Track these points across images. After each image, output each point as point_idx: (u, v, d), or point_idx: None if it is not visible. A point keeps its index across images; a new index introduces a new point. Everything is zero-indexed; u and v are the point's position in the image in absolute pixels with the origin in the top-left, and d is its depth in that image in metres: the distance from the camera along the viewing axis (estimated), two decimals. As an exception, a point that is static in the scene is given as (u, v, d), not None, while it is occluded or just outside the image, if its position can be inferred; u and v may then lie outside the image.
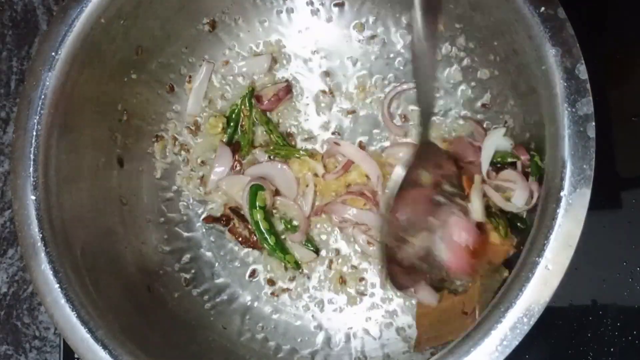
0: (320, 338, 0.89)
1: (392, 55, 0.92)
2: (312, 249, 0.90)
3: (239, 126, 0.93)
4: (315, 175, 0.89)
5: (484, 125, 0.87)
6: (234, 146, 0.92)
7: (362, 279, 0.89)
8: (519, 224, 0.79)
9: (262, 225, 0.87)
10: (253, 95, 0.92)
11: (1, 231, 1.04)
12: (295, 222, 0.89)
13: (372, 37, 0.92)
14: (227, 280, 0.92)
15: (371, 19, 0.92)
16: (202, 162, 0.94)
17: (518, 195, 0.77)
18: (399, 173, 0.72)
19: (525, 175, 0.78)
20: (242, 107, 0.92)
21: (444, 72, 0.90)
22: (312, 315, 0.90)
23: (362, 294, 0.89)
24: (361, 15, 0.92)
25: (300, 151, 0.90)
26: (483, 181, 0.80)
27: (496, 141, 0.82)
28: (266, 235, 0.87)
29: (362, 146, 0.91)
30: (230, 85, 0.95)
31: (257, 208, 0.87)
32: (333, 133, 0.93)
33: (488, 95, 0.86)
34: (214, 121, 0.92)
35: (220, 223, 0.92)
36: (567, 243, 0.65)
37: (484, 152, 0.82)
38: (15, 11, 1.09)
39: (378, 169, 0.86)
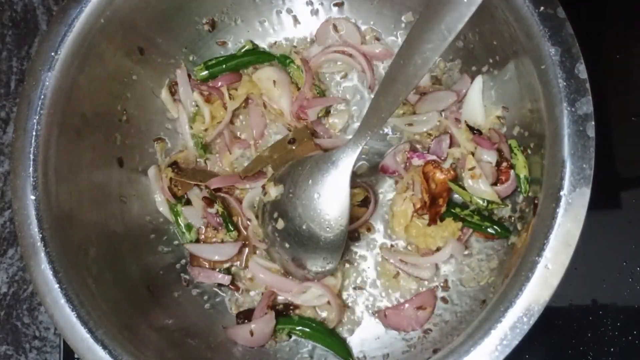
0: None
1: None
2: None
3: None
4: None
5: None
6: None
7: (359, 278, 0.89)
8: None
9: None
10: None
11: (1, 231, 1.04)
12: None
13: (374, 38, 0.93)
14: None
15: (371, 20, 0.92)
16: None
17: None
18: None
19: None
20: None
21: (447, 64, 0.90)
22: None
23: (360, 288, 0.89)
24: (361, 15, 0.92)
25: None
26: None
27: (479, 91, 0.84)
28: None
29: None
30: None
31: None
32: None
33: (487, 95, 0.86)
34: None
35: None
36: (567, 242, 0.65)
37: (467, 105, 0.85)
38: (15, 11, 1.09)
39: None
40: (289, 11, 0.93)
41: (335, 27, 0.92)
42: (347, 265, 0.89)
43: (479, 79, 0.85)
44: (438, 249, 0.85)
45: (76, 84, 0.78)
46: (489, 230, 0.82)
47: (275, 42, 0.95)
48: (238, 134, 0.94)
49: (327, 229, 0.81)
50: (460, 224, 0.84)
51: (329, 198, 0.80)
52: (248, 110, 0.93)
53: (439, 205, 0.83)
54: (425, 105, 0.88)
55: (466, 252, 0.85)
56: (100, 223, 0.82)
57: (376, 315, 0.87)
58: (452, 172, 0.84)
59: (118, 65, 0.84)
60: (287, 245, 0.84)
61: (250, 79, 0.92)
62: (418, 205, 0.84)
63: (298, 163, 0.83)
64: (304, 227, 0.81)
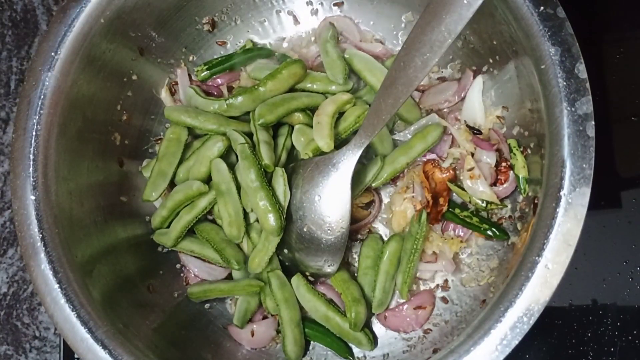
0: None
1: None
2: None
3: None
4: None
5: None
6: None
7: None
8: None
9: None
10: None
11: (1, 231, 1.04)
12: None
13: (374, 38, 0.93)
14: (227, 280, 0.92)
15: (371, 20, 0.92)
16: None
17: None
18: None
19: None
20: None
21: (442, 71, 0.90)
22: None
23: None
24: (360, 15, 0.92)
25: None
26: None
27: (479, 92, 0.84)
28: None
29: None
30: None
31: None
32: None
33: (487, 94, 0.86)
34: None
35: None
36: (567, 242, 0.65)
37: (467, 105, 0.85)
38: (15, 11, 1.09)
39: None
40: (289, 12, 0.93)
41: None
42: (348, 266, 0.89)
43: (478, 79, 0.85)
44: (434, 253, 0.85)
45: (76, 84, 0.78)
46: (488, 232, 0.82)
47: (275, 42, 0.95)
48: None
49: (328, 231, 0.80)
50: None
51: (330, 200, 0.80)
52: None
53: (441, 204, 0.83)
54: (429, 98, 0.88)
55: (466, 252, 0.85)
56: (100, 223, 0.82)
57: (376, 316, 0.87)
58: (451, 172, 0.84)
59: (118, 65, 0.84)
60: (287, 247, 0.84)
61: (248, 75, 0.92)
62: (418, 207, 0.84)
63: (299, 165, 0.83)
64: (304, 229, 0.81)
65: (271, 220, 0.78)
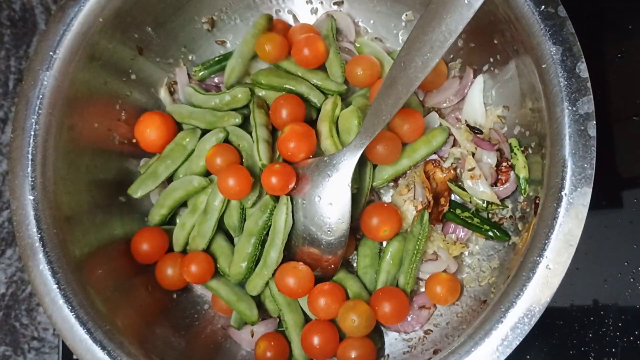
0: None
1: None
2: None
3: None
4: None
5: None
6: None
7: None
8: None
9: None
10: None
11: (-1, 231, 1.04)
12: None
13: (374, 38, 0.92)
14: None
15: (371, 19, 0.92)
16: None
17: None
18: None
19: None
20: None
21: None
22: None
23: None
24: (360, 14, 0.92)
25: None
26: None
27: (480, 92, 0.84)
28: None
29: None
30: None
31: None
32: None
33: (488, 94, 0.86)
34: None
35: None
36: (568, 242, 0.65)
37: (468, 105, 0.85)
38: (14, 10, 1.08)
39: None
40: (289, 11, 0.93)
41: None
42: (347, 266, 0.89)
43: (479, 79, 0.84)
44: (434, 253, 0.85)
45: (75, 84, 0.78)
46: (489, 233, 0.82)
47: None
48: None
49: (329, 232, 0.80)
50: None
51: (330, 201, 0.80)
52: None
53: (442, 205, 0.83)
54: (430, 98, 0.88)
55: (467, 252, 0.85)
56: (99, 223, 0.82)
57: None
58: (452, 172, 0.84)
59: (117, 64, 0.84)
60: (287, 248, 0.83)
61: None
62: (419, 207, 0.84)
63: (299, 167, 0.82)
64: (305, 230, 0.81)
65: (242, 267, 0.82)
